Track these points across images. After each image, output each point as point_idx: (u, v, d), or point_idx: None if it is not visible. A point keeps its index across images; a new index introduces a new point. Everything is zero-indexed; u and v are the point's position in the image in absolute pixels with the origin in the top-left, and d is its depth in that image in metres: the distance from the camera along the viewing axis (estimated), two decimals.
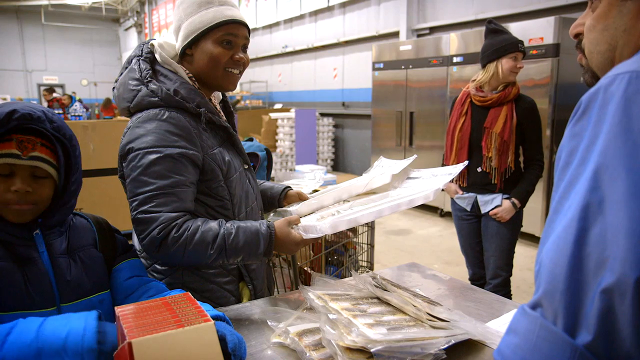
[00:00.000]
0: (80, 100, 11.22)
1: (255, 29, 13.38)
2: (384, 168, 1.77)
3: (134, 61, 1.47)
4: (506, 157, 2.64)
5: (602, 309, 0.56)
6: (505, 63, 2.61)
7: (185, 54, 1.47)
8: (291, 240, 1.37)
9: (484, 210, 2.76)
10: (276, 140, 9.48)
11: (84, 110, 10.03)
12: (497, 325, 1.34)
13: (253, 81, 13.42)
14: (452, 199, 2.92)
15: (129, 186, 1.34)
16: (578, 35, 0.82)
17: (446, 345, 1.12)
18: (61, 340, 0.98)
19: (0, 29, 20.01)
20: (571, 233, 0.60)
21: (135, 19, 21.03)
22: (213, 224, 1.33)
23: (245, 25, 1.47)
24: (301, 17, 11.44)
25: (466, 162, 1.64)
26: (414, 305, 1.24)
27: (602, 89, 0.64)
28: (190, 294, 1.08)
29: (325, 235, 1.45)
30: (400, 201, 1.42)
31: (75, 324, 1.01)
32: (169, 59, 1.47)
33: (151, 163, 1.31)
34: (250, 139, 2.82)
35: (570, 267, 0.60)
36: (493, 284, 2.79)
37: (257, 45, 13.42)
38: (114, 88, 1.53)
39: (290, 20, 11.88)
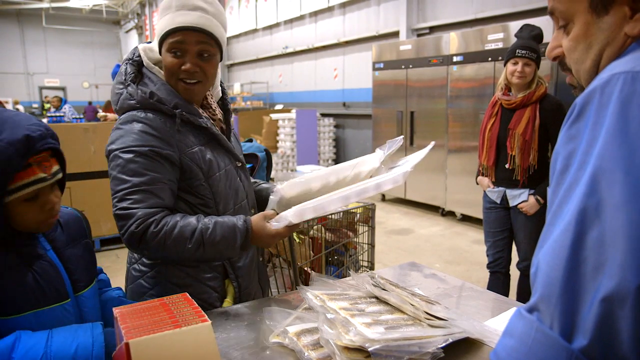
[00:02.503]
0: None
1: (255, 30, 13.39)
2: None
3: (122, 65, 1.52)
4: (528, 156, 2.88)
5: (600, 315, 0.56)
6: (508, 67, 2.88)
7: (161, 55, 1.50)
8: (266, 234, 1.39)
9: (512, 203, 3.01)
10: (277, 141, 9.48)
11: (73, 112, 10.14)
12: (495, 324, 1.34)
13: (254, 82, 13.43)
14: (484, 192, 3.17)
15: (111, 185, 1.39)
16: (557, 58, 0.82)
17: (444, 344, 1.12)
18: (70, 355, 1.03)
19: (1, 32, 20.06)
20: (568, 237, 0.61)
21: (136, 21, 21.06)
22: (191, 219, 1.37)
23: (200, 30, 1.40)
24: (301, 17, 11.45)
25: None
26: (412, 304, 1.24)
27: (597, 90, 0.63)
28: (187, 294, 1.09)
29: (325, 235, 1.43)
30: (367, 185, 1.39)
31: (82, 339, 1.07)
32: (151, 63, 1.50)
33: (128, 161, 1.36)
34: (250, 140, 2.82)
35: (566, 271, 0.60)
36: (523, 265, 3.08)
37: (257, 46, 13.44)
38: None
39: (291, 20, 11.88)
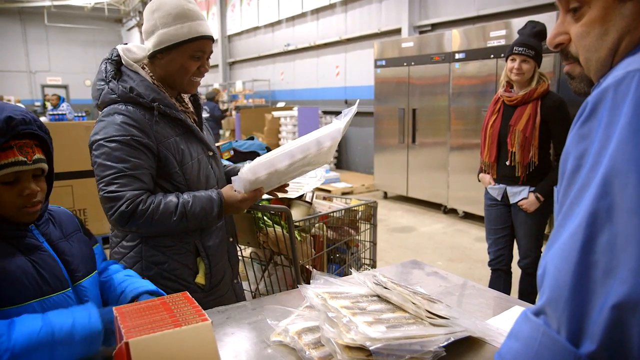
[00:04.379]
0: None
1: (257, 28, 13.37)
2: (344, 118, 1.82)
3: (102, 64, 1.66)
4: (528, 153, 2.88)
5: (610, 321, 0.55)
6: (507, 64, 2.90)
7: (156, 57, 1.63)
8: (236, 200, 1.61)
9: (512, 200, 3.01)
10: (279, 139, 9.48)
11: (71, 110, 10.20)
12: (497, 323, 1.34)
13: (256, 80, 13.42)
14: (485, 188, 3.16)
15: (96, 171, 1.53)
16: (559, 45, 0.77)
17: (445, 343, 1.12)
18: (69, 326, 1.06)
19: (3, 31, 20.06)
20: (578, 240, 0.59)
21: (138, 19, 21.03)
22: (171, 197, 1.56)
23: (212, 38, 1.67)
24: (303, 15, 11.42)
25: (356, 104, 1.75)
26: (413, 303, 1.23)
27: (611, 89, 0.61)
28: (187, 293, 1.09)
29: (327, 233, 1.47)
30: (307, 141, 1.58)
31: (78, 314, 1.10)
32: (131, 62, 1.65)
33: (113, 149, 1.52)
34: (252, 138, 2.83)
35: (575, 275, 0.58)
36: (524, 262, 3.07)
37: (259, 44, 13.42)
38: None
39: (292, 18, 11.86)
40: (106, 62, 1.66)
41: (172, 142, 1.61)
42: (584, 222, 0.59)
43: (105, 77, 1.62)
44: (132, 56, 1.68)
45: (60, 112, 9.36)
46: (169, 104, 1.63)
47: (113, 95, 1.58)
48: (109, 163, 1.51)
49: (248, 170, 1.53)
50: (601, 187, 0.58)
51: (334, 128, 1.60)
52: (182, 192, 1.62)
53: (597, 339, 0.56)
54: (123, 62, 1.66)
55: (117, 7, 20.77)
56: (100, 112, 1.62)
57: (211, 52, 1.68)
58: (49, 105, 11.07)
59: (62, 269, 1.24)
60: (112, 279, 1.42)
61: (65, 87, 21.02)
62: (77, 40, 21.76)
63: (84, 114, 9.33)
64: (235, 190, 1.60)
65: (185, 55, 1.60)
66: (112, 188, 1.49)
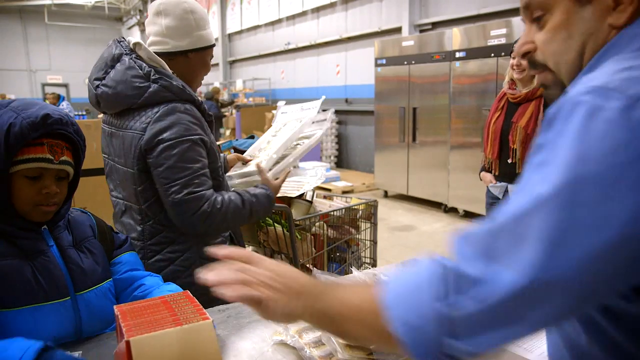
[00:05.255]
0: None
1: (258, 27, 13.36)
2: (289, 114, 2.31)
3: (126, 59, 1.55)
4: (530, 150, 2.83)
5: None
6: (510, 61, 2.94)
7: (186, 56, 1.67)
8: (277, 187, 1.82)
9: None
10: None
11: (71, 109, 10.23)
12: None
13: (256, 78, 13.41)
14: (487, 187, 3.18)
15: (164, 173, 1.49)
16: (527, 54, 0.79)
17: None
18: None
19: (4, 29, 20.05)
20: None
21: (138, 17, 21.03)
22: (231, 194, 1.61)
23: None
24: (303, 13, 11.41)
25: (323, 97, 2.15)
26: None
27: (568, 101, 0.62)
28: (189, 292, 1.09)
29: (327, 232, 1.52)
30: (303, 149, 2.01)
31: (11, 352, 0.91)
32: (157, 57, 1.59)
33: (185, 150, 1.50)
34: (252, 137, 2.83)
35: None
36: None
37: (259, 43, 13.40)
38: (98, 86, 1.59)
39: (293, 17, 11.85)
40: (132, 58, 1.56)
41: (213, 139, 1.68)
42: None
43: (145, 74, 1.54)
44: (146, 55, 1.61)
45: (69, 113, 9.38)
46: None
47: (167, 94, 1.54)
48: (182, 164, 1.48)
49: (272, 176, 1.82)
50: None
51: (319, 133, 2.02)
52: (221, 188, 1.68)
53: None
54: (144, 57, 1.58)
55: (118, 6, 20.76)
56: (135, 112, 1.55)
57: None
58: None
59: (66, 277, 1.22)
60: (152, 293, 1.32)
61: (65, 85, 21.00)
62: (77, 38, 21.74)
63: (84, 113, 9.34)
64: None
65: (209, 56, 1.74)
66: (191, 189, 1.48)
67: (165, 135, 1.49)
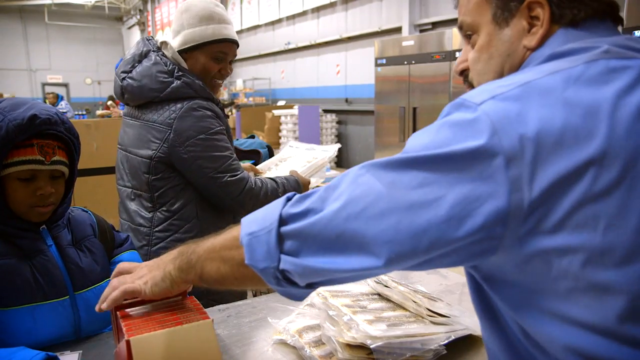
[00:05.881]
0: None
1: (257, 27, 13.36)
2: (299, 149, 2.34)
3: (153, 56, 1.66)
4: None
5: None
6: None
7: (185, 54, 1.68)
8: (306, 182, 1.88)
9: None
10: (280, 137, 9.47)
11: (69, 108, 10.21)
12: None
13: (256, 78, 13.40)
14: None
15: (200, 162, 1.61)
16: (463, 72, 0.84)
17: (446, 341, 1.12)
18: None
19: (4, 29, 20.03)
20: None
21: (138, 17, 21.03)
22: (261, 177, 1.76)
23: (237, 42, 1.77)
24: (303, 13, 11.41)
25: (339, 145, 2.25)
26: (414, 301, 1.23)
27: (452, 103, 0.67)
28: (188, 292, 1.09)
29: None
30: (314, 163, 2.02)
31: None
32: (179, 57, 1.68)
33: (217, 140, 1.63)
34: (252, 136, 2.83)
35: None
36: None
37: (259, 43, 13.40)
38: (124, 78, 1.67)
39: (293, 17, 11.84)
40: (159, 55, 1.66)
41: (229, 135, 1.75)
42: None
43: (169, 70, 1.63)
44: (167, 53, 1.71)
45: (62, 110, 9.39)
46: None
47: (189, 91, 1.63)
48: (218, 153, 1.62)
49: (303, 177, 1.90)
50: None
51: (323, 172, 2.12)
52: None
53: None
54: (169, 55, 1.68)
55: (118, 6, 20.76)
56: (174, 106, 1.62)
57: (234, 55, 1.78)
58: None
59: (65, 276, 1.22)
60: None
61: (65, 85, 21.01)
62: (77, 38, 21.73)
63: (84, 112, 9.33)
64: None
65: (208, 56, 1.68)
66: (232, 172, 1.63)
67: (192, 131, 1.59)
